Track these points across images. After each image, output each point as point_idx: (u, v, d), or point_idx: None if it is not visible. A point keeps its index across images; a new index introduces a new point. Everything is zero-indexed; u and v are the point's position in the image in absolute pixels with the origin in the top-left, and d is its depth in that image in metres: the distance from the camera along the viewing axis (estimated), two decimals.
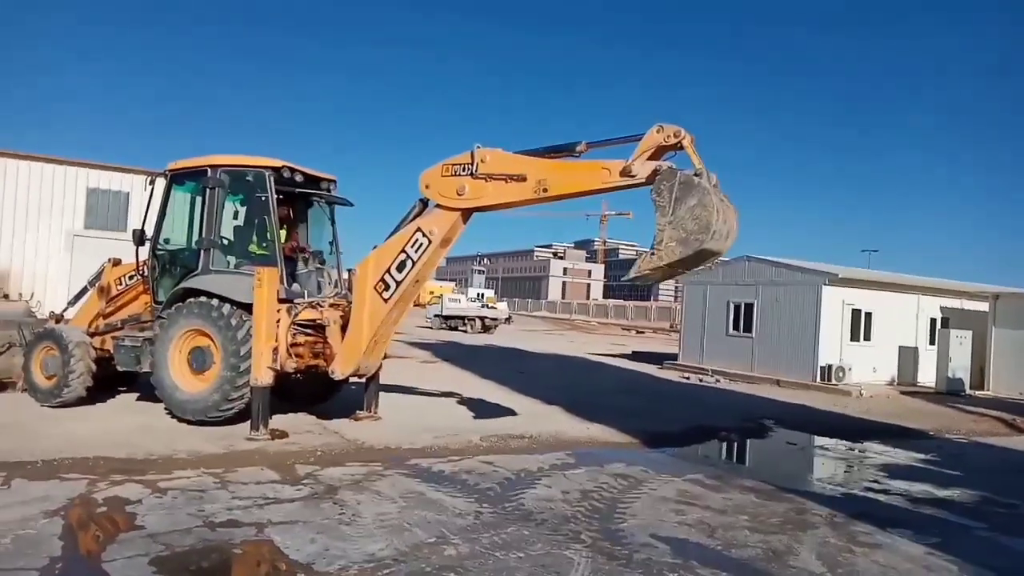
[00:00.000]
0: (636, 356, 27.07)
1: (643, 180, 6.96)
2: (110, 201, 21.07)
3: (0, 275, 19.00)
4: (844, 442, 11.32)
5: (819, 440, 11.50)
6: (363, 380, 10.02)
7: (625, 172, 6.99)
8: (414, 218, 8.69)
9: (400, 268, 8.48)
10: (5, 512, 5.44)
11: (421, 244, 8.39)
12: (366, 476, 7.19)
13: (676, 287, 43.19)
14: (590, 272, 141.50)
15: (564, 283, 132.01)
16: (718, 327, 21.94)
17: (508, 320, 43.48)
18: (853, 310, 19.62)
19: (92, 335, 10.02)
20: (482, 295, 45.09)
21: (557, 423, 10.97)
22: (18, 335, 10.40)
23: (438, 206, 8.35)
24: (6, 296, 16.86)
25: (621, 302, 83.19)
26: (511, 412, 11.50)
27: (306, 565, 4.77)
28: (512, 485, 7.20)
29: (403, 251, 8.45)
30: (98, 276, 10.64)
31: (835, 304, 19.25)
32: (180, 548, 4.94)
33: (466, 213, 8.31)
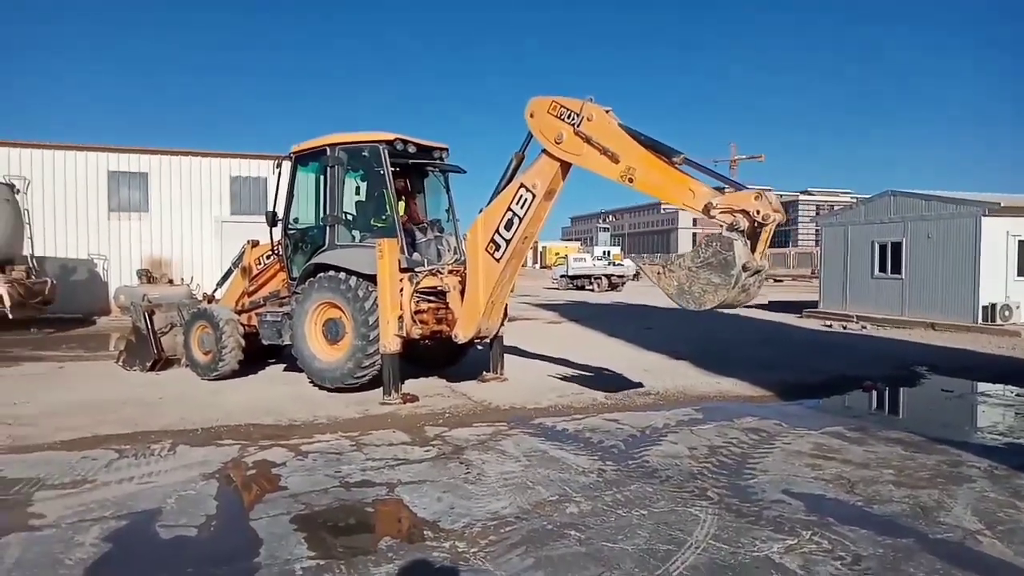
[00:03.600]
0: (773, 306, 25.81)
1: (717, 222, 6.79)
2: (250, 187, 22.63)
3: (164, 262, 20.99)
4: (1010, 387, 10.28)
5: (980, 386, 10.51)
6: (487, 342, 10.22)
7: (706, 209, 6.84)
8: (512, 174, 8.67)
9: (508, 226, 8.49)
10: (170, 475, 6.04)
11: (525, 199, 8.34)
12: (491, 436, 7.35)
13: (816, 229, 40.69)
14: None
15: (694, 235, 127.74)
16: (862, 270, 20.50)
17: (636, 276, 42.79)
18: (1020, 241, 17.63)
19: (239, 312, 10.82)
20: (608, 253, 44.59)
21: (685, 378, 10.71)
22: (178, 316, 11.42)
23: (543, 151, 8.24)
24: (170, 281, 18.57)
25: None
26: (638, 368, 11.34)
27: (432, 523, 4.95)
28: (636, 442, 7.11)
29: (509, 209, 8.46)
30: (240, 257, 11.44)
31: (998, 236, 17.38)
32: (318, 507, 5.27)
33: (565, 166, 8.17)
